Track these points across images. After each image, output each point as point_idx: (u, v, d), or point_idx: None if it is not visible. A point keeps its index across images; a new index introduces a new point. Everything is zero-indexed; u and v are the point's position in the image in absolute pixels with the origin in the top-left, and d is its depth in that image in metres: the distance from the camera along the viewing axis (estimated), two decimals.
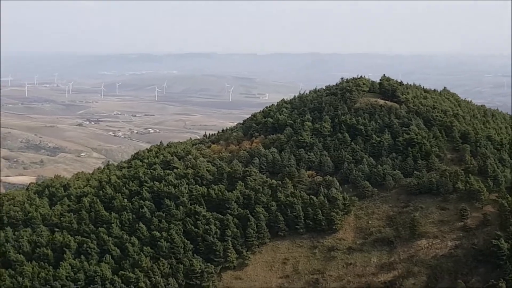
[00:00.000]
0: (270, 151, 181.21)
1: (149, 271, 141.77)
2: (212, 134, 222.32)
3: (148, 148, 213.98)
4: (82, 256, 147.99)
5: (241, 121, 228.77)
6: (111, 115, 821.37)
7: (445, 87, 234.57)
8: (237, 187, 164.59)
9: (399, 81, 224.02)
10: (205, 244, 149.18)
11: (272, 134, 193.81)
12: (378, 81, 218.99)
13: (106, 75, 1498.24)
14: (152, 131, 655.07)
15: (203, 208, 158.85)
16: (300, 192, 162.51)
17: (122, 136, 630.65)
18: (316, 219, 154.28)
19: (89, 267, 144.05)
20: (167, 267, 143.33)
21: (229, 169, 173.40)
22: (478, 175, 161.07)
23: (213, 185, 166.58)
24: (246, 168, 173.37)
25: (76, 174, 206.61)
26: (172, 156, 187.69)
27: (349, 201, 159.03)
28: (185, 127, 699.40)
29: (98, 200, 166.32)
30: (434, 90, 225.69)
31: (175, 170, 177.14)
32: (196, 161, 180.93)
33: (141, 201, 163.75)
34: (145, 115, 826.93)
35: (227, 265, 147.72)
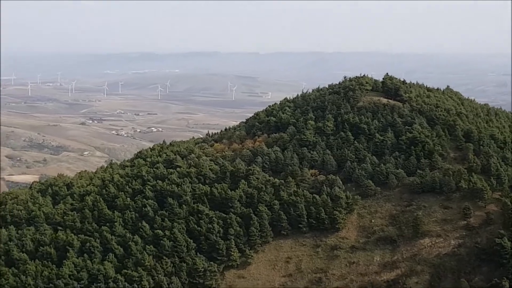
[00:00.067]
0: (273, 150, 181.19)
1: (152, 269, 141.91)
2: (215, 133, 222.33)
3: (151, 147, 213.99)
4: (85, 255, 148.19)
5: (244, 120, 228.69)
6: (114, 114, 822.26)
7: (448, 86, 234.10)
8: (240, 186, 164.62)
9: (402, 80, 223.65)
10: (208, 243, 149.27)
11: (275, 133, 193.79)
12: (381, 79, 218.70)
13: (109, 74, 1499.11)
14: (155, 130, 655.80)
15: (206, 207, 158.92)
16: (303, 191, 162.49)
17: (125, 135, 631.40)
18: (319, 218, 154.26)
19: (92, 265, 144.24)
20: (170, 266, 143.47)
21: (232, 168, 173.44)
22: (481, 173, 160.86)
23: (216, 184, 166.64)
24: (249, 167, 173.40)
25: (79, 173, 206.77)
26: (175, 155, 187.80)
27: (352, 200, 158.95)
28: (188, 126, 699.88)
29: (101, 199, 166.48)
30: (437, 89, 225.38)
31: (178, 169, 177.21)
32: (199, 160, 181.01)
33: (144, 200, 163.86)
34: (148, 114, 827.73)
35: (230, 264, 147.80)
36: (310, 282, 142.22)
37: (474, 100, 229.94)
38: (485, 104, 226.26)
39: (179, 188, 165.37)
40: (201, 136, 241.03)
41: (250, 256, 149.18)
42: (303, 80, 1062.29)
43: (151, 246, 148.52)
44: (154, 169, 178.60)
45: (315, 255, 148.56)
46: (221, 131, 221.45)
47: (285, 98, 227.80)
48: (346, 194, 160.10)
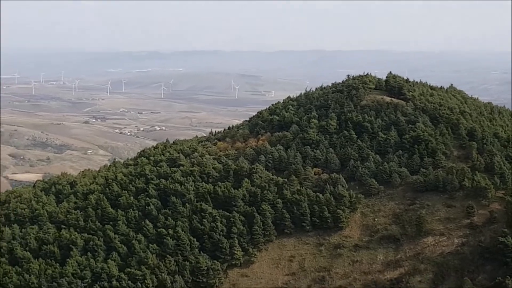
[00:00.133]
0: (276, 149, 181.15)
1: (156, 268, 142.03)
2: (218, 131, 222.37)
3: (154, 145, 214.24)
4: (89, 253, 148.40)
5: (247, 119, 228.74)
6: (118, 112, 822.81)
7: (451, 84, 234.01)
8: (243, 185, 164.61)
9: (405, 78, 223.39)
10: (211, 241, 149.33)
11: (278, 132, 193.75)
12: (384, 78, 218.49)
13: (112, 72, 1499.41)
14: (158, 128, 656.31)
15: (209, 206, 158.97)
16: (306, 189, 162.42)
17: (128, 133, 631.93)
18: (322, 216, 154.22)
19: (95, 264, 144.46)
20: (173, 265, 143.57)
21: (235, 167, 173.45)
22: (484, 172, 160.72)
23: (219, 183, 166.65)
24: (252, 166, 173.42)
25: (83, 171, 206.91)
26: (178, 153, 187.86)
27: (355, 199, 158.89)
28: (191, 124, 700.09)
29: (104, 197, 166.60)
30: (441, 87, 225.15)
31: (181, 167, 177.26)
32: (202, 159, 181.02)
33: (148, 198, 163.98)
34: (151, 112, 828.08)
35: (233, 262, 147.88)
36: (313, 281, 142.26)
37: (477, 98, 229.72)
38: (488, 103, 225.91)
39: (182, 187, 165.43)
40: (205, 135, 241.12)
41: (253, 255, 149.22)
42: (306, 78, 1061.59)
43: (155, 244, 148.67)
44: (158, 167, 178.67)
45: (318, 254, 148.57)
46: (225, 129, 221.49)
47: (289, 97, 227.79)
48: (349, 192, 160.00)
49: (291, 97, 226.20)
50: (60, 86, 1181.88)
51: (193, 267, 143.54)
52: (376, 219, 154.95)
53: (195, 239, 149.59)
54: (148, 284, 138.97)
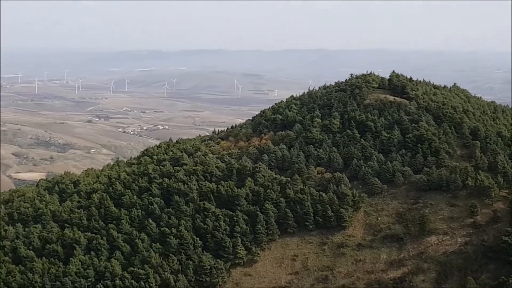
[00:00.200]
0: (279, 148, 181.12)
1: (159, 267, 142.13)
2: (221, 130, 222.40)
3: (158, 144, 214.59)
4: (92, 252, 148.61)
5: (250, 118, 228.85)
6: (121, 111, 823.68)
7: (455, 83, 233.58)
8: (246, 184, 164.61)
9: (408, 77, 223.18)
10: (214, 240, 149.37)
11: (281, 131, 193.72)
12: (387, 77, 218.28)
13: (115, 71, 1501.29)
14: (161, 127, 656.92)
15: (213, 205, 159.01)
16: (309, 188, 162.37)
17: (131, 132, 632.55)
18: (326, 215, 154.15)
19: (99, 263, 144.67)
20: (176, 264, 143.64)
21: (238, 166, 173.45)
22: (488, 171, 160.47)
23: (222, 182, 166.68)
24: (255, 165, 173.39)
25: (86, 170, 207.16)
26: (181, 152, 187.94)
27: (358, 198, 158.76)
28: (194, 123, 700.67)
29: (107, 196, 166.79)
30: (444, 87, 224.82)
31: (184, 166, 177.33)
32: (205, 158, 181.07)
33: (151, 197, 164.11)
34: (154, 111, 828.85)
35: (236, 261, 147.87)
36: (317, 280, 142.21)
37: (481, 97, 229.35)
38: (492, 102, 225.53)
39: (185, 186, 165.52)
40: (208, 134, 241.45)
41: (256, 254, 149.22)
42: (309, 77, 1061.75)
43: (158, 243, 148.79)
44: (161, 166, 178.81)
45: (321, 253, 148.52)
46: (228, 128, 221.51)
47: (292, 96, 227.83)
48: (352, 192, 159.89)
49: (294, 96, 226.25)
50: (63, 85, 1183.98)
51: (196, 266, 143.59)
52: (379, 218, 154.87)
53: (198, 238, 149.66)
54: (151, 283, 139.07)
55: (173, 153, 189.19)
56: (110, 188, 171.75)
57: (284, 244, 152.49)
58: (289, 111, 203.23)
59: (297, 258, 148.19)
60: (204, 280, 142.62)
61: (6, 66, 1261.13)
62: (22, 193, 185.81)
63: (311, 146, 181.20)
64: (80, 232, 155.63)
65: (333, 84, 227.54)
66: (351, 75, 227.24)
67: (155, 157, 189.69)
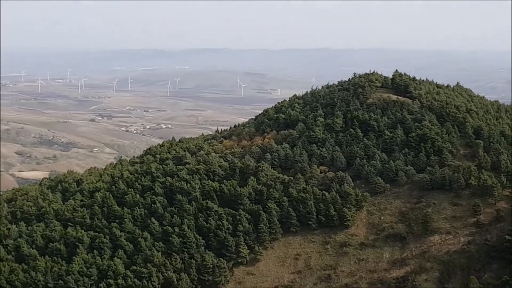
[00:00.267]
0: (282, 147, 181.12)
1: (161, 266, 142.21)
2: (224, 129, 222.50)
3: (160, 143, 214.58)
4: (95, 251, 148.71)
5: (253, 117, 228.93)
6: (124, 110, 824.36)
7: (458, 83, 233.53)
8: (249, 183, 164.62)
9: (411, 76, 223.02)
10: (217, 239, 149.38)
11: (284, 130, 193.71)
12: (390, 76, 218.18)
13: (118, 70, 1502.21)
14: (164, 126, 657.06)
15: (215, 204, 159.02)
16: (312, 187, 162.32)
17: (134, 131, 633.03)
18: (328, 214, 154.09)
19: (101, 262, 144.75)
20: (179, 262, 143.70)
21: (241, 165, 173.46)
22: (491, 170, 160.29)
23: (225, 181, 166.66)
24: (258, 164, 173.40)
25: (89, 169, 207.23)
26: (184, 151, 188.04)
27: (361, 197, 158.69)
28: (197, 122, 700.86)
29: (110, 195, 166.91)
30: (447, 86, 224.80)
31: (187, 165, 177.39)
32: (208, 157, 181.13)
33: (154, 196, 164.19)
34: (158, 110, 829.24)
35: (239, 260, 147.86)
36: (319, 279, 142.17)
37: (484, 97, 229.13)
38: (495, 101, 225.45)
39: (188, 185, 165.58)
40: (210, 133, 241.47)
41: (259, 253, 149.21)
42: (312, 76, 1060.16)
43: (160, 242, 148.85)
44: (164, 165, 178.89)
45: (324, 252, 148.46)
46: (230, 127, 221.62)
47: (295, 95, 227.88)
48: (355, 191, 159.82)
49: (297, 95, 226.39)
50: (66, 84, 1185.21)
51: (199, 265, 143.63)
52: (382, 218, 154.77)
53: (201, 237, 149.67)
54: (154, 282, 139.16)
55: (176, 152, 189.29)
56: (113, 187, 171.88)
57: (287, 243, 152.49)
58: (292, 110, 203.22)
59: (300, 257, 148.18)
60: (207, 279, 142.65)
61: (6, 66, 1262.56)
62: (25, 191, 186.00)
63: (314, 145, 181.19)
64: (83, 231, 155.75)
65: (336, 83, 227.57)
66: (354, 74, 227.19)
67: (158, 156, 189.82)
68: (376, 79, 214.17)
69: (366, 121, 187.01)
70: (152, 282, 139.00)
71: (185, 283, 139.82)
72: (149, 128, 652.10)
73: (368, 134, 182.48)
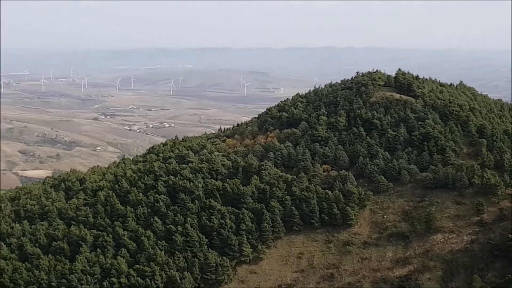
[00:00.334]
0: (285, 146, 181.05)
1: (165, 265, 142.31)
2: (227, 128, 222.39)
3: (163, 142, 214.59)
4: (98, 250, 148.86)
5: (256, 116, 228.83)
6: (127, 109, 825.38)
7: (461, 81, 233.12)
8: (252, 181, 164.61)
9: (414, 75, 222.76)
10: (220, 238, 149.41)
11: (287, 129, 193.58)
12: (393, 75, 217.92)
13: (121, 69, 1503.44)
14: (167, 125, 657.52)
15: (218, 202, 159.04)
16: (315, 186, 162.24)
17: (137, 130, 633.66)
18: (331, 213, 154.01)
19: (105, 260, 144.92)
20: (182, 261, 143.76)
21: (244, 163, 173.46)
22: (494, 169, 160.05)
23: (228, 180, 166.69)
24: (261, 163, 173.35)
25: (92, 168, 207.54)
26: (187, 150, 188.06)
27: (364, 196, 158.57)
28: (200, 121, 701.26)
29: (113, 194, 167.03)
30: (450, 84, 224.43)
31: (190, 164, 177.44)
32: (211, 155, 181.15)
33: (157, 195, 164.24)
34: (161, 109, 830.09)
35: (242, 259, 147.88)
36: (322, 278, 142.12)
37: (487, 95, 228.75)
38: (498, 100, 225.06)
39: (191, 184, 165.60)
40: (213, 132, 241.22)
41: (262, 252, 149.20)
42: (315, 75, 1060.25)
43: (163, 241, 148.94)
44: (167, 164, 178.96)
45: (327, 251, 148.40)
46: (233, 126, 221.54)
47: (297, 94, 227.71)
48: (358, 189, 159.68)
49: (300, 94, 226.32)
50: (69, 83, 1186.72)
51: (202, 264, 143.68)
52: (385, 216, 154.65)
53: (204, 236, 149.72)
54: (157, 280, 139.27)
55: (179, 150, 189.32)
56: (116, 185, 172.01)
57: (290, 242, 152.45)
58: (295, 109, 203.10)
59: (303, 256, 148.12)
60: (209, 277, 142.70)
61: (6, 66, 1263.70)
62: (29, 190, 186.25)
63: (317, 144, 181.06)
64: (86, 229, 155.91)
65: (339, 82, 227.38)
66: (357, 73, 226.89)
67: (161, 154, 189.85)
68: (379, 78, 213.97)
69: (369, 119, 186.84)
70: (155, 281, 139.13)
71: (188, 281, 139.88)
72: (152, 127, 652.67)
73: (371, 132, 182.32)
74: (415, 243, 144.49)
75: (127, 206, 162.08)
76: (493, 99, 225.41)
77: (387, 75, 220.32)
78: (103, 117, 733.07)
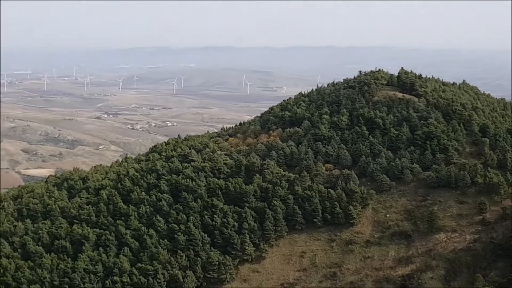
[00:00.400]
0: (288, 145, 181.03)
1: (167, 263, 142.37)
2: (230, 127, 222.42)
3: (166, 141, 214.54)
4: (101, 248, 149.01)
5: (259, 115, 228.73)
6: (129, 108, 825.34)
7: (464, 80, 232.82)
8: (254, 180, 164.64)
9: (417, 74, 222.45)
10: (222, 237, 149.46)
11: (290, 128, 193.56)
12: (396, 74, 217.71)
13: (124, 68, 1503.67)
14: (170, 124, 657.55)
15: (221, 201, 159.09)
16: (317, 185, 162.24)
17: (140, 129, 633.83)
18: (334, 212, 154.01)
19: (107, 259, 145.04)
20: (184, 260, 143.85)
21: (247, 162, 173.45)
22: (497, 168, 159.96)
23: (230, 178, 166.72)
24: (264, 162, 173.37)
25: (95, 167, 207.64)
26: (190, 149, 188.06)
27: (366, 195, 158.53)
28: (202, 120, 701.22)
29: (116, 192, 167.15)
30: (453, 84, 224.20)
31: (192, 163, 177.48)
32: (213, 154, 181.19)
33: (159, 194, 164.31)
34: (163, 108, 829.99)
35: (244, 258, 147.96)
36: (325, 277, 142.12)
37: (490, 94, 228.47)
38: (501, 99, 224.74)
39: (193, 183, 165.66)
40: (216, 131, 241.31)
41: (264, 251, 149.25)
42: (317, 74, 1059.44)
43: (166, 240, 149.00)
44: (169, 163, 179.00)
45: (329, 250, 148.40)
46: (236, 125, 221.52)
47: (300, 93, 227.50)
48: (361, 188, 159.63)
49: (303, 93, 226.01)
50: (72, 82, 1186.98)
51: (204, 263, 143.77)
52: (387, 215, 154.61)
53: (206, 235, 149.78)
54: (160, 279, 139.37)
55: (182, 149, 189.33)
56: (119, 184, 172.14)
57: (292, 241, 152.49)
58: (298, 108, 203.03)
59: (305, 254, 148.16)
60: (212, 276, 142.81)
61: (7, 66, 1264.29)
62: (31, 189, 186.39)
63: (320, 143, 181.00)
64: (88, 228, 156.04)
65: (342, 81, 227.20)
66: (360, 72, 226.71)
67: (163, 153, 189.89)
68: (382, 77, 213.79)
69: (371, 118, 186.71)
70: (158, 280, 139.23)
71: (191, 280, 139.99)
72: (154, 126, 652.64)
73: (374, 132, 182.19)
74: (417, 242, 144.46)
75: (130, 205, 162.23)
76: (496, 98, 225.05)
77: (390, 74, 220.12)
78: (106, 116, 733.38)
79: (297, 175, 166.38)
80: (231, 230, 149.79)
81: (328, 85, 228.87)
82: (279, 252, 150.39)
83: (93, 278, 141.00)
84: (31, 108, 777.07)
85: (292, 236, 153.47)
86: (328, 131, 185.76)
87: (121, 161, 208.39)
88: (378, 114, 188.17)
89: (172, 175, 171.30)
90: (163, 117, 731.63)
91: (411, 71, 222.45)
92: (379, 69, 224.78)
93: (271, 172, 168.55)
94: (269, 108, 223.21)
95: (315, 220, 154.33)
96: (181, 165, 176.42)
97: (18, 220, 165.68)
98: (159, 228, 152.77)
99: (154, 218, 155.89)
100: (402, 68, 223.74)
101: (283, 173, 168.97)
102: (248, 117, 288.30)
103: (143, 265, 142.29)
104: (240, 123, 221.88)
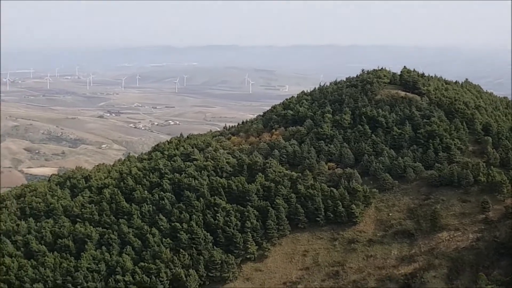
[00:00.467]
0: (290, 143, 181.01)
1: (170, 262, 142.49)
2: (232, 126, 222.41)
3: (169, 140, 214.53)
4: (103, 247, 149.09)
5: (261, 113, 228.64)
6: (132, 107, 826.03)
7: (466, 79, 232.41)
8: (257, 179, 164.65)
9: (420, 72, 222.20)
10: (225, 235, 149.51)
11: (292, 126, 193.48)
12: (398, 72, 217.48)
13: (127, 67, 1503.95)
14: (172, 123, 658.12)
15: (223, 200, 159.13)
16: (320, 184, 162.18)
17: (142, 128, 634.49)
18: (336, 211, 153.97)
19: (110, 258, 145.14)
20: (187, 259, 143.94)
21: (249, 161, 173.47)
22: (500, 167, 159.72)
23: (233, 177, 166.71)
24: (266, 160, 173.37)
25: (97, 165, 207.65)
26: (192, 148, 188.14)
27: (369, 193, 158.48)
28: (205, 119, 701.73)
29: (119, 191, 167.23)
30: (456, 82, 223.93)
31: (195, 162, 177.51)
32: (216, 153, 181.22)
33: (162, 192, 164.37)
34: (166, 107, 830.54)
35: (247, 256, 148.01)
36: (327, 276, 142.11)
37: (492, 93, 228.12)
38: (504, 97, 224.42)
39: (196, 181, 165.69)
40: (218, 129, 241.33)
41: (267, 249, 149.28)
42: (319, 73, 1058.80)
43: (169, 239, 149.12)
44: (172, 162, 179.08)
45: (332, 249, 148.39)
46: (238, 124, 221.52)
47: (302, 91, 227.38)
48: (363, 187, 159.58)
49: (305, 91, 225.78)
50: (74, 81, 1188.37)
51: (207, 261, 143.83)
52: (390, 214, 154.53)
53: (209, 234, 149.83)
54: (162, 278, 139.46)
55: (184, 148, 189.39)
56: (121, 183, 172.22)
57: (295, 240, 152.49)
58: (300, 107, 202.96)
59: (308, 253, 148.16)
60: (215, 275, 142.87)
61: (7, 65, 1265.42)
62: (34, 188, 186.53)
63: (322, 141, 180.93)
64: (91, 227, 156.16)
65: (344, 79, 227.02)
66: (362, 70, 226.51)
67: (166, 152, 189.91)
68: (384, 76, 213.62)
69: (374, 117, 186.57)
70: (160, 278, 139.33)
71: (193, 279, 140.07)
72: (157, 125, 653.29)
73: (376, 130, 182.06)
74: (420, 241, 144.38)
75: (132, 204, 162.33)
76: (499, 96, 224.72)
77: (392, 72, 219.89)
78: (109, 114, 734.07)
79: (300, 174, 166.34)
80: (233, 229, 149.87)
81: (330, 83, 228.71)
82: (281, 251, 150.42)
83: (96, 277, 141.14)
84: (33, 107, 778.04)
85: (294, 235, 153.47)
86: (330, 130, 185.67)
87: (124, 160, 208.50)
88: (380, 112, 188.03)
89: (175, 174, 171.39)
90: (166, 116, 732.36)
91: (413, 69, 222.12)
92: (382, 68, 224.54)
93: (274, 171, 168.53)
94: (271, 107, 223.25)
95: (318, 219, 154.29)
96: (184, 164, 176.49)
97: (21, 219, 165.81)
98: (161, 227, 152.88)
99: (156, 217, 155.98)
100: (404, 66, 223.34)
101: (286, 172, 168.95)
102: (250, 116, 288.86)
103: (145, 264, 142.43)
104: (243, 122, 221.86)
